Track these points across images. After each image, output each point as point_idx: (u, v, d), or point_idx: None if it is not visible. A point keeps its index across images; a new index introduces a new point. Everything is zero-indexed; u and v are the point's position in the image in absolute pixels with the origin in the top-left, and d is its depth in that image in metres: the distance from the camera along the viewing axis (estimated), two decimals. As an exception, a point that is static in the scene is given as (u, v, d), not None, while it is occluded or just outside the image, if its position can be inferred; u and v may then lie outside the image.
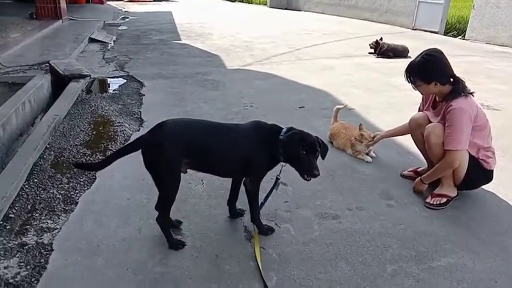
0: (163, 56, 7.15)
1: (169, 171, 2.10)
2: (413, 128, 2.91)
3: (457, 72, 2.67)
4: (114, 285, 2.00)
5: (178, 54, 7.35)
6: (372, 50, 7.74)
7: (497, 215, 2.63)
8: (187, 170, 2.25)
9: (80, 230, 2.40)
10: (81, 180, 2.96)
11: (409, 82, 2.70)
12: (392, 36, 9.49)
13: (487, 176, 2.76)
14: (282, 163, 2.31)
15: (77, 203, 2.68)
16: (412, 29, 12.01)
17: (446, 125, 2.57)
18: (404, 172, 3.07)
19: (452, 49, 8.42)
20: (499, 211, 2.67)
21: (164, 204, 2.18)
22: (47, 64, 5.48)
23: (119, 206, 2.64)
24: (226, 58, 7.10)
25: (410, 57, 7.63)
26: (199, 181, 2.93)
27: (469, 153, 2.62)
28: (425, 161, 2.99)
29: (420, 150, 2.99)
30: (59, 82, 5.19)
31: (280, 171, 2.38)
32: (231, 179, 2.47)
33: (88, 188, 2.86)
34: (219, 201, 2.68)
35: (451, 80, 2.61)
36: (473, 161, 2.65)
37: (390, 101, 4.73)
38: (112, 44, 8.15)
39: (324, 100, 4.91)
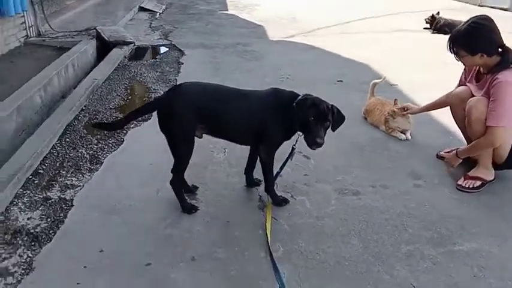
0: (208, 26, 7.14)
1: (182, 134, 2.09)
2: (455, 104, 2.67)
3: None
4: (125, 242, 2.05)
5: (222, 24, 7.30)
6: (428, 25, 7.24)
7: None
8: (203, 135, 2.23)
9: (100, 189, 2.48)
10: (110, 142, 3.05)
11: (452, 53, 2.46)
12: (455, 12, 8.80)
13: None
14: (298, 133, 2.22)
15: (102, 163, 2.77)
16: (479, 5, 11.10)
17: (490, 99, 2.33)
18: (441, 152, 2.84)
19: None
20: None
21: (177, 167, 2.18)
22: (95, 30, 5.64)
23: (141, 169, 2.69)
24: (270, 29, 6.96)
25: (469, 32, 7.07)
26: (222, 149, 2.92)
27: None
28: (465, 140, 2.76)
29: (460, 129, 2.77)
30: (104, 48, 5.34)
31: (297, 141, 2.29)
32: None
33: (115, 150, 2.94)
34: (238, 170, 2.65)
35: (499, 50, 2.35)
36: None
37: (438, 78, 4.39)
38: (160, 13, 8.25)
39: (365, 74, 4.67)
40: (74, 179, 2.59)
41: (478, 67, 2.54)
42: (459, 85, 2.75)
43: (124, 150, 2.93)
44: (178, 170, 2.19)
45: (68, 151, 2.91)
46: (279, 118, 2.16)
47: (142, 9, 8.27)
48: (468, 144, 2.69)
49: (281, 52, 5.56)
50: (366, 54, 5.50)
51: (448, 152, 2.81)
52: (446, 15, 7.27)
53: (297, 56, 5.37)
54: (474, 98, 2.47)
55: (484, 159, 2.50)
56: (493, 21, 2.38)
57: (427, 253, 1.98)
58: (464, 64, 2.55)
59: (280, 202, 2.33)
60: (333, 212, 2.28)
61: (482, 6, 10.94)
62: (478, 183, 2.48)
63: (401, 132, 3.13)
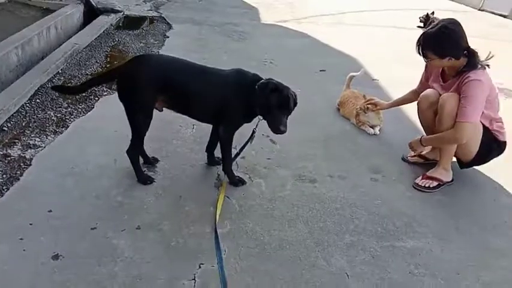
0: (201, 2, 7.05)
1: (139, 104, 2.08)
2: (424, 106, 2.67)
3: (510, 58, 2.43)
4: (74, 205, 2.06)
5: (216, 2, 7.20)
6: (422, 24, 7.22)
7: (490, 209, 2.45)
8: (164, 108, 2.23)
9: (61, 152, 2.48)
10: (80, 107, 3.04)
11: (420, 55, 2.47)
12: (453, 15, 8.77)
13: (500, 147, 2.59)
14: (259, 117, 2.24)
15: (67, 127, 2.76)
16: (479, 10, 11.08)
17: (461, 95, 2.36)
18: (408, 157, 2.83)
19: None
20: (493, 206, 2.48)
21: (134, 138, 2.18)
22: (84, -5, 5.54)
23: (105, 136, 2.69)
24: (264, 12, 6.89)
25: (462, 37, 7.08)
26: (190, 125, 2.92)
27: (483, 124, 2.45)
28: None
29: (425, 131, 2.77)
30: (92, 14, 5.26)
31: (257, 125, 2.31)
32: None
33: (83, 115, 2.93)
34: (202, 147, 2.64)
35: (465, 52, 2.38)
36: (488, 133, 2.49)
37: (418, 76, 4.43)
38: (156, -16, 8.10)
39: (349, 66, 4.61)
40: (37, 139, 2.58)
41: (441, 68, 2.56)
42: (420, 85, 2.78)
43: (92, 116, 2.93)
44: (135, 140, 2.19)
45: (36, 112, 2.90)
46: (239, 99, 2.17)
47: (139, -22, 8.10)
48: (434, 148, 2.74)
49: (270, 36, 5.52)
50: (356, 46, 5.47)
51: (413, 156, 2.83)
52: (444, 16, 7.23)
53: (285, 42, 5.34)
54: (446, 93, 2.48)
55: (444, 160, 2.55)
56: (460, 25, 2.41)
57: (368, 246, 2.02)
58: (431, 66, 2.57)
59: (236, 182, 2.35)
60: (286, 197, 2.31)
61: (482, 10, 10.93)
62: (435, 183, 2.52)
63: (371, 127, 3.15)
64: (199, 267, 1.78)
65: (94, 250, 1.81)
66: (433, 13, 7.19)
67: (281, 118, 2.06)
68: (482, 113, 2.39)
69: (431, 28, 2.42)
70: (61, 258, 1.75)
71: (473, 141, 2.44)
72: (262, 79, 2.18)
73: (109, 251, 1.81)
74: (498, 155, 2.61)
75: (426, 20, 7.15)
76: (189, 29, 5.38)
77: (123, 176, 2.31)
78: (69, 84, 3.28)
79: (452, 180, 2.58)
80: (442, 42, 2.36)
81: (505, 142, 2.58)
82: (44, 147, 2.50)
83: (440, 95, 2.55)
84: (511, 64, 5.58)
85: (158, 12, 6.04)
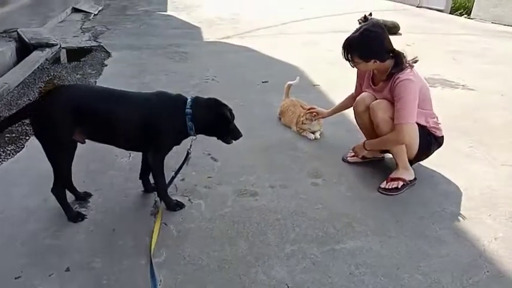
0: (142, 27, 7.01)
1: (55, 140, 1.99)
2: (361, 111, 2.66)
3: (445, 50, 2.49)
4: (-2, 255, 1.93)
5: (158, 25, 7.19)
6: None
7: (429, 198, 2.48)
8: (86, 140, 2.14)
9: (-15, 199, 2.34)
10: (8, 149, 2.91)
11: (346, 59, 2.49)
12: (394, 13, 9.15)
13: (439, 142, 2.64)
14: (192, 137, 2.20)
15: (-6, 171, 2.61)
16: (417, 7, 11.57)
17: (395, 98, 2.39)
18: (347, 158, 2.86)
19: (450, 27, 8.11)
20: (432, 194, 2.52)
21: (56, 176, 2.08)
22: (16, 32, 5.38)
23: (35, 176, 2.55)
24: (206, 30, 6.92)
25: (400, 34, 7.35)
26: (127, 154, 2.83)
27: (419, 124, 2.47)
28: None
29: (364, 134, 2.78)
30: (26, 50, 5.10)
31: (191, 145, 2.26)
32: None
33: (12, 157, 2.79)
34: (137, 175, 2.57)
35: (391, 54, 2.42)
36: (425, 130, 2.53)
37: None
38: (95, 14, 8.00)
39: (292, 75, 4.65)
40: (-42, 189, 2.43)
41: (371, 72, 2.60)
42: (356, 92, 2.80)
43: (21, 157, 2.80)
44: (57, 178, 2.09)
45: (-42, 159, 2.73)
46: (168, 122, 2.12)
47: (76, 10, 7.99)
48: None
49: (213, 53, 5.53)
50: (299, 55, 5.57)
51: (353, 156, 2.85)
52: (384, 16, 7.51)
53: (228, 58, 5.36)
54: (375, 101, 2.52)
55: (400, 160, 2.55)
56: (384, 28, 2.46)
57: (309, 252, 1.99)
58: (358, 70, 2.61)
59: (174, 207, 2.28)
60: (226, 214, 2.26)
61: (420, 7, 11.42)
62: (401, 183, 2.51)
63: (311, 133, 3.17)
64: (133, 303, 1.70)
65: (17, 301, 1.69)
66: (370, 14, 7.45)
67: (235, 126, 2.22)
68: (418, 111, 2.41)
69: (354, 32, 2.44)
70: (-20, 316, 1.62)
71: (413, 139, 2.47)
72: (187, 98, 2.14)
73: (33, 300, 1.70)
74: (438, 148, 2.67)
75: (365, 21, 7.38)
76: (129, 55, 5.31)
77: (52, 217, 2.19)
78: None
79: (415, 179, 2.58)
80: (366, 46, 2.39)
81: (442, 137, 2.64)
82: (-33, 196, 2.35)
83: (375, 98, 2.58)
84: (446, 55, 5.83)
85: (97, 41, 5.95)
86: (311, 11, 9.44)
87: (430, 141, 2.58)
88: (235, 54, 5.55)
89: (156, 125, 2.10)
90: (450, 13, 10.35)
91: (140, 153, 2.39)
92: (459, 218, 2.30)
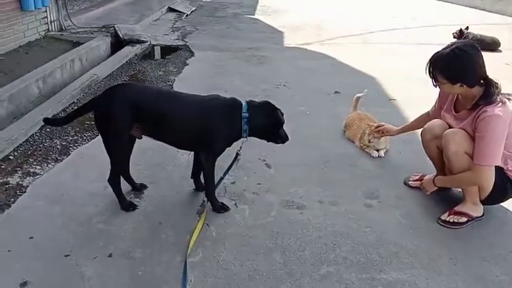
0: (228, 29, 7.22)
1: (114, 133, 2.13)
2: (428, 139, 2.47)
3: None
4: (56, 232, 2.12)
5: (243, 28, 7.36)
6: (455, 40, 6.90)
7: (494, 237, 2.22)
8: (143, 136, 2.26)
9: (56, 179, 2.59)
10: (86, 134, 3.18)
11: (430, 77, 2.26)
12: (496, 27, 8.36)
13: None
14: (243, 139, 2.25)
15: (69, 154, 2.88)
16: (528, 20, 10.45)
17: (477, 134, 2.13)
18: (409, 181, 2.66)
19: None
20: (500, 234, 2.25)
21: (112, 166, 2.23)
22: (113, 28, 5.87)
23: (102, 164, 2.70)
24: (289, 35, 6.93)
25: (500, 51, 6.69)
26: (188, 151, 2.94)
27: (496, 165, 2.17)
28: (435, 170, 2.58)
29: (432, 162, 2.56)
30: (119, 45, 5.55)
31: (241, 147, 2.31)
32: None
33: (87, 143, 3.05)
34: (194, 172, 2.67)
35: (481, 82, 2.15)
36: (501, 174, 2.22)
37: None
38: (188, 14, 8.44)
39: (368, 87, 4.46)
40: (37, 167, 2.71)
41: (455, 96, 2.36)
42: (433, 111, 2.58)
43: (94, 144, 3.03)
44: (114, 168, 2.23)
45: (43, 141, 3.06)
46: (224, 125, 2.19)
47: (172, 9, 8.50)
48: (438, 175, 2.52)
49: (290, 58, 5.52)
50: (378, 66, 5.33)
51: (416, 180, 2.65)
52: (489, 31, 6.90)
53: (304, 64, 5.31)
54: (450, 130, 2.29)
55: (471, 194, 2.30)
56: (479, 50, 2.17)
57: (345, 277, 1.89)
58: (443, 92, 2.40)
59: (219, 209, 2.32)
60: (268, 224, 2.24)
61: (531, 21, 10.28)
62: (464, 219, 2.29)
63: (376, 150, 3.01)
64: (161, 297, 1.76)
65: (62, 278, 1.84)
66: (467, 28, 6.87)
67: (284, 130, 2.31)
68: None
69: (444, 48, 2.20)
70: (29, 285, 1.79)
71: (489, 182, 2.19)
72: (242, 102, 2.21)
73: (76, 279, 1.83)
74: None
75: (460, 35, 6.83)
76: (210, 56, 5.51)
77: (110, 203, 2.35)
78: (56, 117, 3.39)
79: (483, 215, 2.33)
80: (454, 65, 2.14)
81: None
82: (42, 174, 2.62)
83: (448, 126, 2.36)
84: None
85: (184, 41, 6.26)
86: (402, 20, 8.98)
87: (505, 187, 2.25)
88: (312, 61, 5.48)
89: (213, 128, 2.16)
90: None
91: None
92: (528, 265, 2.02)
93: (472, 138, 2.16)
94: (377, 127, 2.93)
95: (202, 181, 2.48)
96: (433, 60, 2.22)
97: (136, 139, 2.28)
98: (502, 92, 2.15)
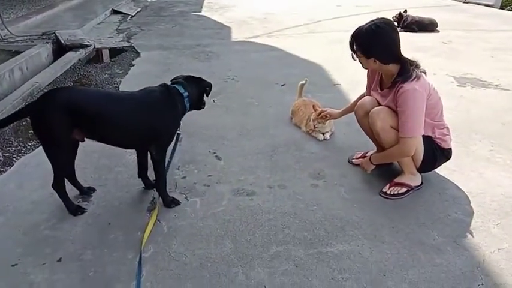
0: (174, 28, 7.17)
1: (53, 138, 2.08)
2: (360, 115, 2.59)
3: (484, 48, 2.36)
4: (1, 243, 2.06)
5: (190, 26, 7.32)
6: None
7: (433, 204, 2.37)
8: (85, 138, 2.22)
9: (0, 190, 2.50)
10: (30, 144, 3.09)
11: (351, 50, 2.38)
12: (436, 10, 8.79)
13: (445, 155, 2.49)
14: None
15: (13, 165, 2.79)
16: (464, 2, 11.02)
17: (399, 109, 2.26)
18: (352, 159, 2.80)
19: (495, 23, 7.66)
20: (437, 200, 2.41)
21: (55, 171, 2.19)
22: (54, 34, 5.69)
23: (48, 170, 2.62)
24: (236, 30, 6.97)
25: (438, 31, 7.04)
26: (134, 151, 2.92)
27: (424, 134, 2.33)
28: (375, 147, 2.72)
29: (369, 137, 2.69)
30: (60, 52, 5.38)
31: (180, 126, 2.36)
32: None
33: (30, 152, 2.97)
34: (143, 171, 2.67)
35: (398, 60, 2.28)
36: (430, 142, 2.39)
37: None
38: (132, 16, 8.29)
39: (314, 75, 4.64)
40: (-21, 181, 2.61)
41: (379, 75, 2.50)
42: (366, 92, 2.70)
43: (39, 152, 2.95)
44: (57, 174, 2.19)
45: (-16, 154, 2.94)
46: (175, 114, 2.25)
47: (116, 12, 8.32)
48: (377, 148, 2.66)
49: (238, 52, 5.56)
50: (325, 54, 5.49)
51: (359, 158, 2.78)
52: (430, 13, 7.22)
53: (252, 57, 5.37)
54: (374, 108, 2.42)
55: (407, 166, 2.44)
56: (395, 28, 2.30)
57: (294, 254, 1.97)
58: (362, 66, 2.51)
59: (169, 203, 2.33)
60: (219, 213, 2.28)
61: (467, 2, 10.86)
62: (404, 189, 2.42)
63: (321, 133, 3.12)
64: (113, 294, 1.76)
65: (10, 287, 1.80)
66: (405, 11, 7.19)
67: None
68: (424, 121, 2.28)
69: (365, 24, 2.30)
70: (-26, 299, 1.74)
71: (418, 151, 2.35)
72: (173, 85, 2.30)
73: (24, 287, 1.80)
74: (446, 161, 2.53)
75: (400, 18, 7.15)
76: (157, 55, 5.46)
77: (56, 209, 2.31)
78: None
79: (422, 184, 2.48)
80: (368, 40, 2.27)
81: (449, 149, 2.49)
82: (-16, 188, 2.53)
83: (378, 103, 2.48)
84: (484, 53, 5.52)
85: (129, 42, 6.16)
86: (347, 8, 9.24)
87: (435, 152, 2.42)
88: (260, 53, 5.55)
89: (161, 121, 2.19)
90: (501, 8, 9.75)
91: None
92: (463, 225, 2.18)
93: (396, 113, 2.30)
94: (320, 112, 3.03)
95: (151, 179, 2.49)
96: (354, 34, 2.33)
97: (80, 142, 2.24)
98: (420, 68, 2.28)
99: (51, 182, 2.24)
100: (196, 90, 2.34)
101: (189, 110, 2.35)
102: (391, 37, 2.27)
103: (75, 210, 2.27)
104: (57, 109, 2.03)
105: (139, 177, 2.48)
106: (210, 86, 2.41)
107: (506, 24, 7.67)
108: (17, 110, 2.31)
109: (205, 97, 2.43)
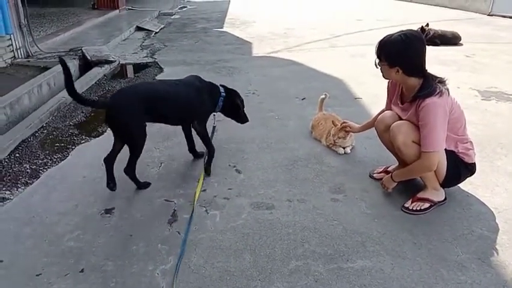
0: (196, 44, 7.31)
1: (135, 127, 2.50)
2: (381, 130, 2.58)
3: (507, 61, 2.33)
4: (27, 253, 2.12)
5: (212, 42, 7.46)
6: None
7: (457, 219, 2.32)
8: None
9: (26, 202, 2.58)
10: (56, 156, 3.18)
11: (377, 57, 2.35)
12: (459, 23, 8.71)
13: (469, 169, 2.44)
14: (214, 113, 2.90)
15: (39, 177, 2.88)
16: (488, 15, 10.89)
17: (420, 123, 2.24)
18: (374, 174, 2.77)
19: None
20: (461, 216, 2.35)
21: (135, 156, 2.55)
22: (80, 50, 5.89)
23: (72, 183, 2.78)
24: (257, 45, 7.06)
25: (461, 44, 6.96)
26: (158, 163, 2.99)
27: (447, 149, 2.31)
28: (397, 161, 2.69)
29: (392, 153, 2.65)
30: (87, 67, 5.56)
31: (214, 121, 2.98)
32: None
33: (56, 165, 3.06)
34: (164, 184, 2.72)
35: (421, 74, 2.27)
36: (453, 156, 2.35)
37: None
38: (156, 32, 8.50)
39: (334, 89, 4.65)
40: (7, 192, 2.70)
41: (400, 88, 2.48)
42: (386, 107, 2.68)
43: (64, 165, 3.04)
44: (133, 159, 2.56)
45: (13, 166, 3.04)
46: (208, 100, 2.81)
47: (140, 28, 8.55)
48: (399, 162, 2.63)
49: (258, 67, 5.62)
50: (344, 68, 5.49)
51: (380, 172, 2.75)
52: (453, 26, 7.15)
53: (272, 71, 5.42)
54: (395, 123, 2.40)
55: (429, 181, 2.40)
56: (423, 41, 2.28)
57: (313, 269, 1.95)
58: (383, 75, 2.49)
59: (209, 173, 2.81)
60: (238, 227, 2.29)
61: (491, 15, 10.72)
62: (427, 205, 2.39)
63: (342, 147, 3.10)
64: (133, 306, 1.78)
65: (33, 297, 1.85)
66: (427, 25, 7.14)
67: (245, 113, 2.99)
68: (447, 135, 2.25)
69: (395, 33, 2.29)
70: (0, 307, 1.79)
71: (440, 165, 2.30)
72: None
73: (47, 297, 1.84)
74: (470, 175, 2.47)
75: (422, 32, 7.08)
76: (179, 70, 5.56)
77: (80, 221, 2.36)
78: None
79: (445, 199, 2.44)
80: (395, 48, 2.25)
81: (473, 164, 2.43)
82: (12, 199, 2.61)
83: (399, 117, 2.46)
84: (508, 66, 5.41)
85: (153, 58, 6.31)
86: (368, 22, 9.25)
87: (458, 167, 2.37)
88: (280, 68, 5.60)
89: (205, 104, 2.80)
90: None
91: (171, 164, 2.97)
92: (488, 242, 2.12)
93: (417, 127, 2.27)
94: (342, 126, 3.02)
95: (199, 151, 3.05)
96: (381, 40, 2.32)
97: None
98: (445, 86, 2.25)
99: (78, 195, 2.35)
100: (231, 98, 2.86)
101: (224, 112, 2.92)
102: (418, 49, 2.25)
103: (145, 185, 2.68)
104: (134, 102, 2.47)
105: (190, 151, 3.03)
106: (242, 100, 2.93)
107: (533, 37, 7.51)
108: (97, 100, 3.49)
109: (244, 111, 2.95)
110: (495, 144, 3.18)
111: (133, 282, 1.91)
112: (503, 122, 3.62)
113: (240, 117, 2.95)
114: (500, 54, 6.10)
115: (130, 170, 2.58)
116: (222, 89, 2.86)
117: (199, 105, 2.73)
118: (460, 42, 7.06)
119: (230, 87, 2.93)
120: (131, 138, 2.53)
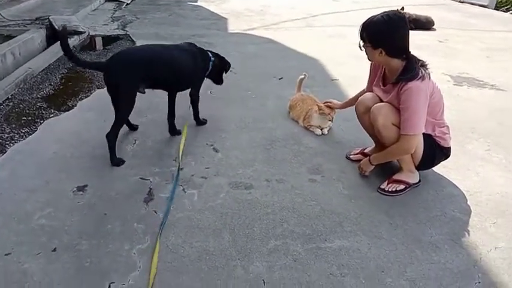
0: (170, 17, 7.08)
1: (127, 90, 2.51)
2: (361, 112, 2.58)
3: (479, 47, 2.34)
4: (-5, 232, 2.03)
5: (186, 15, 7.24)
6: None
7: (431, 201, 2.38)
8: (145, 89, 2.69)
9: (-8, 178, 2.45)
10: (23, 131, 3.03)
11: (360, 39, 2.34)
12: (431, 8, 8.77)
13: (444, 153, 2.49)
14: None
15: (5, 152, 2.74)
16: (460, 2, 11.06)
17: (401, 106, 2.25)
18: (350, 155, 2.79)
19: (490, 24, 7.69)
20: (435, 198, 2.41)
21: (118, 120, 2.56)
22: (47, 19, 5.58)
23: (42, 158, 2.66)
24: (233, 21, 6.91)
25: (434, 29, 7.06)
26: (132, 141, 2.90)
27: (424, 132, 2.32)
28: (374, 143, 2.72)
29: (368, 133, 2.69)
30: (54, 38, 5.27)
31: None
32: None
33: (24, 139, 2.91)
34: (139, 162, 2.65)
35: (403, 56, 2.26)
36: (430, 140, 2.38)
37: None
38: (127, 3, 8.17)
39: (311, 69, 4.59)
40: (-30, 167, 2.56)
41: (383, 70, 2.48)
42: (367, 88, 2.68)
43: (32, 140, 2.91)
44: (118, 123, 2.57)
45: (-25, 140, 2.88)
46: (200, 64, 2.92)
47: (110, -1, 8.19)
48: (376, 146, 2.66)
49: (234, 44, 5.51)
50: (322, 48, 5.46)
51: (357, 154, 2.77)
52: (425, 11, 7.21)
53: (248, 49, 5.33)
54: (376, 104, 2.40)
55: (405, 163, 2.43)
56: (406, 22, 2.25)
57: (292, 249, 1.96)
58: (368, 58, 2.47)
59: (201, 123, 3.13)
60: (216, 206, 2.26)
61: (462, 2, 10.90)
62: (402, 186, 2.42)
63: (320, 128, 3.10)
64: (109, 286, 1.73)
65: (3, 276, 1.77)
66: (402, 8, 7.14)
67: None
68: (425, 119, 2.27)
69: (378, 14, 2.27)
70: (-34, 288, 1.71)
71: (417, 148, 2.34)
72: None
73: (18, 276, 1.77)
74: (444, 159, 2.53)
75: (396, 15, 7.13)
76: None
77: (51, 199, 2.27)
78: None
79: (419, 181, 2.48)
80: (379, 30, 2.23)
81: (449, 148, 2.48)
82: (-23, 175, 2.48)
83: (379, 99, 2.46)
84: (480, 53, 5.54)
85: (124, 30, 6.07)
86: (344, 3, 9.22)
87: (434, 151, 2.42)
88: (257, 46, 5.51)
89: (193, 65, 2.85)
90: (495, 9, 9.80)
91: (145, 141, 2.89)
92: (460, 223, 2.19)
93: (398, 110, 2.29)
94: (325, 103, 3.03)
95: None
96: (365, 23, 2.30)
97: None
98: (426, 67, 2.26)
99: (48, 172, 2.25)
100: (219, 63, 3.04)
101: (209, 76, 3.03)
102: (401, 30, 2.24)
103: (118, 162, 2.59)
104: (131, 63, 2.50)
105: (168, 121, 2.97)
106: (229, 65, 3.15)
107: (501, 25, 7.71)
108: (93, 62, 3.63)
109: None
110: (466, 129, 3.27)
111: (109, 262, 1.86)
112: (474, 108, 3.72)
113: (220, 79, 3.17)
114: (473, 40, 6.24)
115: (112, 136, 2.56)
116: (210, 54, 2.99)
117: (198, 70, 2.87)
118: (433, 27, 7.15)
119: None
120: (121, 102, 2.54)
